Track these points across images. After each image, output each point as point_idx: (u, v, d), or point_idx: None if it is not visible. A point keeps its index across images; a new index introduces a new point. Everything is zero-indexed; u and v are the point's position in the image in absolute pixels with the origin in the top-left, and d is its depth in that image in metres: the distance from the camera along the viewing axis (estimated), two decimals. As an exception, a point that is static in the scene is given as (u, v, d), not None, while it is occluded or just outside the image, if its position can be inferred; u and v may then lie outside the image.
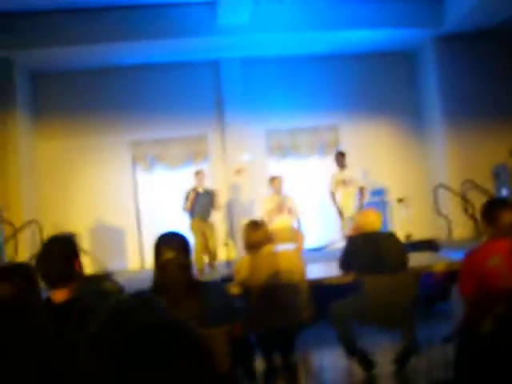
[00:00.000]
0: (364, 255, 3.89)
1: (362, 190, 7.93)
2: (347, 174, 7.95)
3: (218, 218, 7.90)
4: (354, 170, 8.14)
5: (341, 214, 8.01)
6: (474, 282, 2.74)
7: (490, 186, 8.47)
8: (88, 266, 8.11)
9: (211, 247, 7.49)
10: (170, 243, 2.45)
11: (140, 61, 9.19)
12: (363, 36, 8.94)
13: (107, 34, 8.10)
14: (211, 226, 7.63)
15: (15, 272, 2.15)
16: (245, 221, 8.71)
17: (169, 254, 2.41)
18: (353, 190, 7.91)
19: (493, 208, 2.94)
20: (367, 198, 8.34)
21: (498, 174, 8.24)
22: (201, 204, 7.53)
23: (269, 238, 3.85)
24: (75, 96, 9.25)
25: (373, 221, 4.10)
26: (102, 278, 5.36)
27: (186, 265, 2.42)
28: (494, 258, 2.73)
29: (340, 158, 7.98)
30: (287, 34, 8.59)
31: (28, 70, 8.92)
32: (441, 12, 8.74)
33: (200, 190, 7.63)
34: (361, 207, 7.82)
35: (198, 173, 7.78)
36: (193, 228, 7.47)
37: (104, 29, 8.08)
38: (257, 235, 3.80)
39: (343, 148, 9.54)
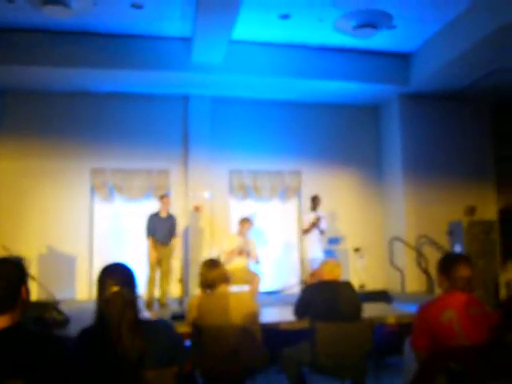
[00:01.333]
0: (319, 302, 3.87)
1: (323, 233, 8.38)
2: (316, 216, 8.34)
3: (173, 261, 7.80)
4: (321, 213, 8.50)
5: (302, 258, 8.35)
6: (427, 336, 2.73)
7: (444, 241, 8.66)
8: (35, 293, 7.82)
9: (164, 278, 7.36)
10: (115, 276, 2.33)
11: (111, 89, 9.14)
12: (332, 87, 9.18)
13: (81, 59, 8.04)
14: (170, 252, 7.53)
15: None
16: (201, 259, 8.67)
17: (113, 288, 2.29)
18: (316, 233, 8.28)
19: (449, 261, 2.97)
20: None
21: (453, 231, 8.45)
22: (162, 229, 7.48)
23: (225, 278, 3.79)
24: (40, 117, 9.09)
25: (333, 268, 4.12)
26: (48, 307, 5.17)
27: (130, 301, 2.29)
28: (447, 312, 2.73)
29: (315, 201, 8.45)
30: (259, 77, 8.73)
31: (-8, 86, 8.74)
32: (408, 70, 9.09)
33: (163, 214, 7.57)
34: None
35: (163, 197, 7.74)
36: (151, 254, 7.34)
37: (78, 53, 8.03)
38: (212, 274, 3.74)
39: (305, 193, 9.67)
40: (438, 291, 3.11)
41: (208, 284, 3.75)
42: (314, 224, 8.14)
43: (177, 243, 7.78)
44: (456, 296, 2.82)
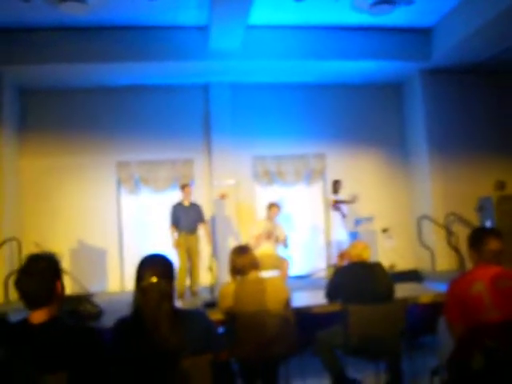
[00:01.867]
0: (351, 285, 3.85)
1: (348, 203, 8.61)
2: (338, 198, 8.51)
3: (202, 245, 7.87)
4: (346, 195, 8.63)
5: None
6: (459, 309, 2.73)
7: (474, 218, 8.53)
8: (68, 287, 7.96)
9: (194, 267, 7.44)
10: (154, 267, 2.35)
11: (130, 82, 9.19)
12: (352, 67, 9.06)
13: (98, 54, 8.09)
14: (197, 240, 7.61)
15: None
16: (229, 246, 8.72)
17: (151, 279, 2.30)
18: (336, 216, 8.46)
19: (479, 235, 2.95)
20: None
21: (483, 207, 8.31)
22: (187, 217, 7.54)
23: (255, 264, 3.79)
24: (63, 114, 9.19)
25: (362, 251, 4.10)
26: (82, 300, 5.26)
27: (167, 293, 2.31)
28: (476, 284, 2.73)
29: (337, 185, 8.61)
30: (278, 61, 8.67)
31: (17, 86, 8.85)
32: (429, 46, 8.90)
33: (186, 203, 7.62)
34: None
35: (184, 186, 7.82)
36: (178, 244, 7.43)
37: (95, 49, 8.08)
38: (243, 260, 3.74)
39: (329, 176, 9.63)
40: (469, 267, 3.09)
41: (238, 270, 3.75)
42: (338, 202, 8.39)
43: (206, 230, 7.83)
44: (486, 269, 2.81)
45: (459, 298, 2.75)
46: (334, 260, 8.05)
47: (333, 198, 8.49)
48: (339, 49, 8.72)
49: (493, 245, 2.83)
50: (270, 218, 7.59)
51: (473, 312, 2.67)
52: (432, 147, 9.38)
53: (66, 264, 8.52)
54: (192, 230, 7.55)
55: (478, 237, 2.93)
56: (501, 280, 2.75)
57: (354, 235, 8.57)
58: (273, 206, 7.64)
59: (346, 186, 8.66)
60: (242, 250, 3.83)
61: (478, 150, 9.37)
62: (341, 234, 8.23)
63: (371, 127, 10.03)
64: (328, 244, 8.34)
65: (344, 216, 8.35)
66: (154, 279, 2.30)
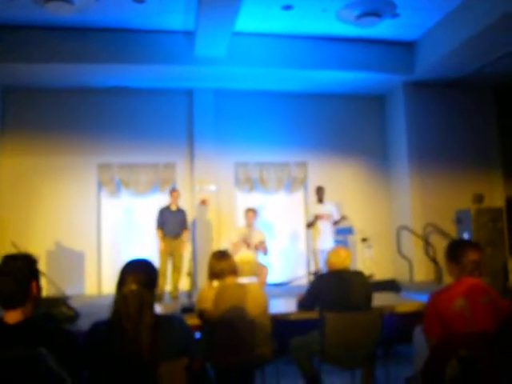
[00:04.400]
0: (330, 292, 3.86)
1: (335, 224, 8.44)
2: (324, 208, 8.35)
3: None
4: (330, 205, 8.52)
5: (313, 248, 8.29)
6: (439, 323, 2.73)
7: (452, 230, 8.65)
8: (44, 289, 7.86)
9: (176, 271, 7.51)
10: (137, 273, 2.32)
11: (114, 84, 9.15)
12: (336, 77, 9.14)
13: (83, 55, 8.05)
14: (181, 245, 7.75)
15: None
16: (209, 251, 8.70)
17: (132, 286, 2.28)
18: (328, 225, 8.31)
19: (457, 247, 2.96)
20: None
21: (461, 219, 8.43)
22: (173, 222, 7.68)
23: (234, 270, 3.79)
24: (44, 114, 9.12)
25: (343, 258, 4.10)
26: (58, 302, 5.20)
27: (148, 302, 2.28)
28: (459, 300, 2.72)
29: (320, 192, 8.43)
30: (262, 68, 8.70)
31: (-2, 84, 8.77)
32: (412, 58, 9.03)
33: (173, 208, 7.77)
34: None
35: (173, 191, 7.97)
36: (161, 248, 7.57)
37: (80, 49, 8.03)
38: (221, 265, 3.74)
39: (311, 184, 9.68)
40: (446, 279, 3.11)
41: (216, 274, 3.75)
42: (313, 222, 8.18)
43: (188, 236, 7.93)
44: (467, 282, 2.80)
45: (440, 312, 2.74)
46: (319, 267, 8.07)
47: (316, 211, 8.33)
48: (324, 58, 8.81)
49: (472, 256, 2.83)
50: (249, 224, 7.63)
51: (454, 327, 2.67)
52: (412, 159, 9.50)
53: (42, 265, 8.41)
54: (176, 235, 7.70)
55: (456, 250, 2.92)
56: (481, 296, 2.75)
57: (340, 243, 8.58)
58: (249, 211, 7.69)
59: (327, 196, 8.69)
60: (221, 255, 3.83)
61: (457, 163, 9.52)
62: (328, 243, 8.07)
63: (353, 137, 10.12)
64: (314, 252, 8.30)
65: (336, 223, 8.39)
66: (135, 286, 2.28)
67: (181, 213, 7.88)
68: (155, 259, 7.39)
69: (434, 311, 2.77)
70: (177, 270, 7.63)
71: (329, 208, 8.41)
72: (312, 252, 8.47)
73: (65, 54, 8.00)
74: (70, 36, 8.02)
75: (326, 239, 8.20)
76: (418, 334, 3.30)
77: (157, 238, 7.73)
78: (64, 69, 8.29)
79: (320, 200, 8.41)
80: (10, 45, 7.87)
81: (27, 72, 8.40)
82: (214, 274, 3.77)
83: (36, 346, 2.12)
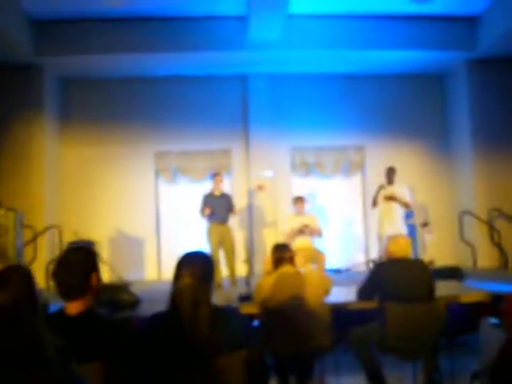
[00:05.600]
0: (390, 282, 3.72)
1: (406, 207, 7.74)
2: (394, 190, 7.76)
3: (238, 237, 7.82)
4: (402, 187, 7.89)
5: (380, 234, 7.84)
6: None
7: (520, 214, 8.24)
8: (105, 276, 8.10)
9: (230, 257, 7.32)
10: (192, 267, 2.29)
11: (169, 72, 9.24)
12: (394, 57, 8.85)
13: (138, 44, 8.16)
14: (229, 230, 7.46)
15: (10, 278, 2.00)
16: (265, 238, 8.70)
17: (187, 279, 2.25)
18: (398, 207, 7.68)
19: None
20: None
21: (529, 203, 8.01)
22: (219, 207, 7.37)
23: (292, 259, 3.77)
24: (103, 104, 9.33)
25: (402, 247, 3.94)
26: (119, 289, 5.32)
27: (203, 297, 2.25)
28: None
29: (390, 173, 7.87)
30: (317, 51, 8.54)
31: (57, 75, 9.02)
32: (474, 35, 8.61)
33: (216, 193, 7.54)
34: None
35: (215, 175, 7.68)
36: (211, 234, 7.28)
37: (135, 39, 8.15)
38: (282, 254, 3.75)
39: (368, 169, 9.48)
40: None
41: (279, 260, 3.75)
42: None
43: (234, 220, 7.73)
44: None
45: None
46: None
47: (388, 192, 7.69)
48: (381, 38, 8.53)
49: None
50: (299, 211, 7.56)
51: None
52: (476, 140, 9.08)
53: (104, 253, 8.66)
54: (224, 220, 7.38)
55: None
56: None
57: (411, 228, 8.26)
58: (297, 200, 7.61)
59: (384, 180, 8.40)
60: (281, 246, 3.88)
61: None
62: (400, 228, 7.45)
63: (412, 119, 9.79)
64: (380, 237, 7.84)
65: (408, 207, 7.72)
66: (190, 280, 2.25)
67: (225, 197, 7.55)
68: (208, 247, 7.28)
69: None
70: (230, 255, 7.29)
71: (400, 190, 7.76)
72: (378, 237, 7.92)
73: (120, 45, 8.14)
74: (124, 27, 8.14)
75: (399, 224, 7.59)
76: (487, 326, 3.15)
77: (205, 218, 7.32)
78: (120, 59, 8.45)
79: (390, 182, 7.84)
80: (66, 38, 8.10)
81: (86, 63, 8.62)
82: (277, 261, 3.78)
83: (96, 337, 2.15)
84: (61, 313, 2.24)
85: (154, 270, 9.24)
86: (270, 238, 8.86)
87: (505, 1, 7.79)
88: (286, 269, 3.72)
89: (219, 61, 8.82)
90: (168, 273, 8.92)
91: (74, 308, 2.22)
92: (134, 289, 5.60)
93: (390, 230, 7.36)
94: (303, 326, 3.47)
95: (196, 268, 2.30)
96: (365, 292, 4.00)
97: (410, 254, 4.06)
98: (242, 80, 9.58)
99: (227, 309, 2.47)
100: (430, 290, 3.79)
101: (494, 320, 3.73)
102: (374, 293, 3.91)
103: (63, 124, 9.29)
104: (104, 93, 9.35)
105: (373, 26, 8.51)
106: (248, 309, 3.91)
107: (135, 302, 5.24)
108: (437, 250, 9.10)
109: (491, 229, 8.47)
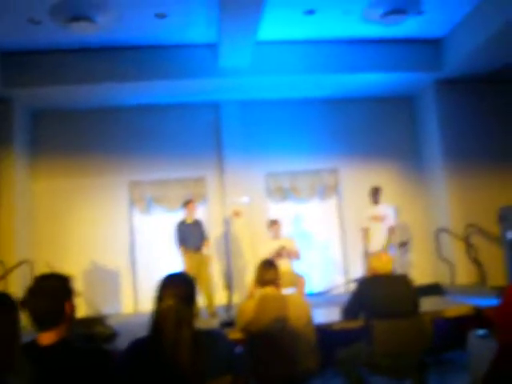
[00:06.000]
0: (375, 298, 3.66)
1: (391, 229, 7.87)
2: (380, 210, 7.91)
3: (215, 265, 7.70)
4: (387, 207, 8.05)
5: (365, 252, 7.86)
6: None
7: (495, 229, 8.30)
8: (81, 309, 7.86)
9: (207, 286, 7.16)
10: (175, 288, 2.22)
11: (140, 101, 9.19)
12: (363, 80, 8.97)
13: (108, 74, 8.10)
14: (205, 258, 7.35)
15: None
16: (242, 264, 8.59)
17: (169, 301, 2.18)
18: (383, 227, 7.82)
19: None
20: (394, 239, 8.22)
21: (504, 217, 8.05)
22: (193, 235, 7.30)
23: (278, 280, 3.68)
24: (75, 135, 9.19)
25: (384, 263, 3.92)
26: (95, 322, 5.15)
27: (187, 318, 2.17)
28: None
29: (375, 192, 7.98)
30: (288, 76, 8.61)
31: (27, 107, 8.85)
32: (440, 56, 8.79)
33: (189, 221, 7.45)
34: (387, 246, 7.68)
35: (187, 202, 7.60)
36: (187, 263, 7.16)
37: (105, 69, 8.09)
38: (270, 274, 3.66)
39: (343, 191, 9.51)
40: (491, 282, 2.89)
41: (264, 282, 3.66)
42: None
43: (208, 247, 7.58)
44: None
45: None
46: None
47: (371, 213, 7.86)
48: (350, 62, 8.65)
49: None
50: (275, 234, 7.53)
51: None
52: (447, 158, 9.20)
53: (79, 285, 8.42)
54: (198, 248, 7.31)
55: None
56: None
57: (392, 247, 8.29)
58: (272, 224, 7.61)
59: (360, 202, 8.43)
60: (268, 264, 3.77)
61: (496, 159, 9.15)
62: (380, 246, 7.60)
63: (384, 140, 9.89)
64: (366, 255, 7.86)
65: (391, 229, 7.81)
66: (172, 301, 2.17)
67: (198, 224, 7.48)
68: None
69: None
70: (207, 284, 7.14)
71: (384, 210, 7.95)
72: (364, 255, 7.95)
73: (90, 75, 8.07)
74: (94, 56, 8.08)
75: (379, 242, 7.74)
76: (474, 339, 3.10)
77: (180, 254, 7.26)
78: (90, 89, 8.35)
79: (375, 201, 7.94)
80: (37, 69, 7.98)
81: (55, 95, 8.51)
82: (262, 282, 3.67)
83: (71, 368, 2.03)
84: (33, 343, 2.11)
85: (130, 302, 9.01)
86: (248, 265, 8.76)
87: (468, 23, 8.01)
88: (267, 290, 3.63)
89: (191, 88, 8.81)
90: (145, 305, 8.75)
91: (47, 338, 2.10)
92: (111, 322, 5.45)
93: (372, 248, 7.48)
94: (289, 348, 3.37)
95: (179, 289, 2.22)
96: (350, 311, 3.92)
97: (391, 270, 4.03)
98: (215, 107, 9.58)
99: (212, 332, 2.37)
100: (415, 305, 3.75)
101: (481, 332, 3.71)
102: (359, 311, 3.84)
103: (34, 157, 9.09)
104: (76, 123, 9.22)
105: (341, 50, 8.63)
106: (231, 334, 3.79)
107: (112, 335, 5.08)
108: (416, 268, 9.13)
109: (468, 245, 8.52)
